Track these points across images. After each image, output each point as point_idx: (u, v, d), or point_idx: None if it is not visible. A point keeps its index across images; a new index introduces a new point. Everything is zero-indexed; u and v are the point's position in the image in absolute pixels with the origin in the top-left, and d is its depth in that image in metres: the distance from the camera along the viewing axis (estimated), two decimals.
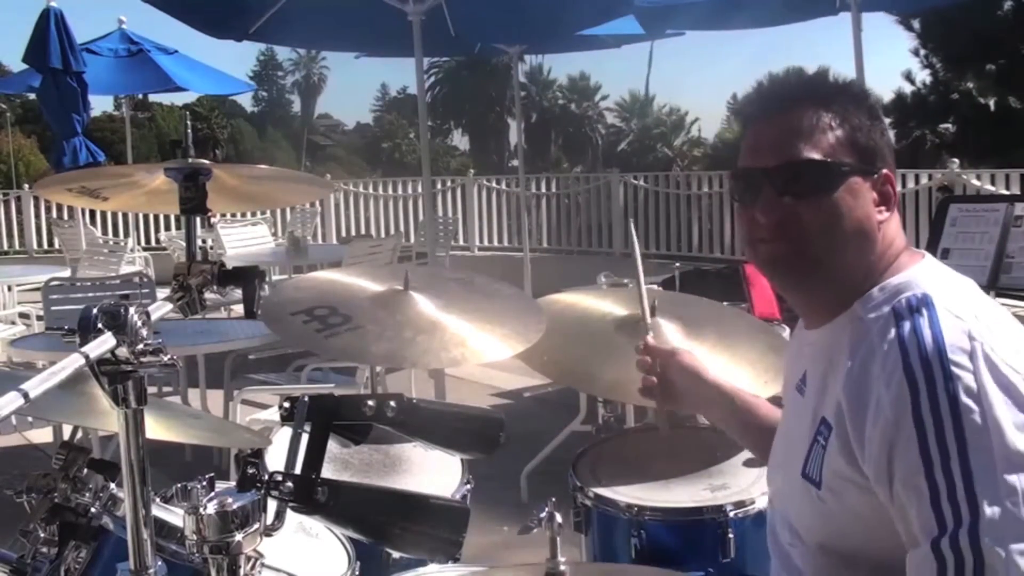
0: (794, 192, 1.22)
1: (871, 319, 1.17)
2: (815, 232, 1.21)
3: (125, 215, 11.51)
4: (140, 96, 28.02)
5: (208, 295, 1.26)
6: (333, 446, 1.20)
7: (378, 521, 1.23)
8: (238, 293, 1.26)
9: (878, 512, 1.11)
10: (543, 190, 11.06)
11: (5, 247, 11.98)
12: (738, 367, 1.97)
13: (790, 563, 1.31)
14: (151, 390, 1.06)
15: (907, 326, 1.11)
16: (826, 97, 1.26)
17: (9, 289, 7.79)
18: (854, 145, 1.23)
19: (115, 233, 11.54)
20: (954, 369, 1.05)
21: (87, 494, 1.23)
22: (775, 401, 1.66)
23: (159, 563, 1.11)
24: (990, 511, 1.00)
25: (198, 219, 1.36)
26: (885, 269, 1.23)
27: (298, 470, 1.15)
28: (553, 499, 1.53)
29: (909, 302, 1.14)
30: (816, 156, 1.21)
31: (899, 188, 8.07)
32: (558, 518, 1.51)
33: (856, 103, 1.27)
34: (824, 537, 1.22)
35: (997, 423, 1.02)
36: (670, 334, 2.02)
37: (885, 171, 1.26)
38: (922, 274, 1.21)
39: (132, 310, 1.01)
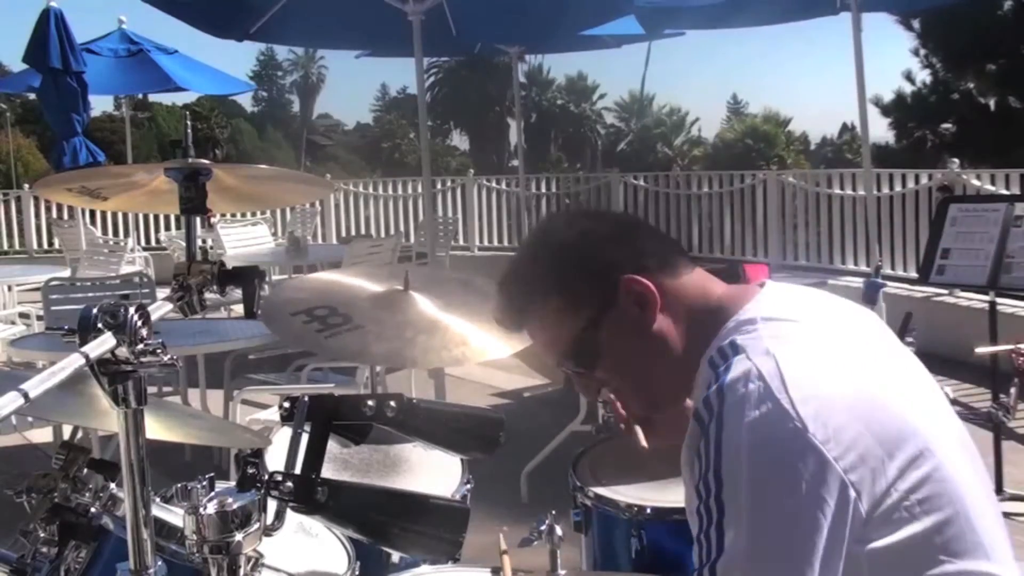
0: (584, 374, 1.28)
1: (702, 373, 1.19)
2: (624, 382, 1.28)
3: (125, 215, 11.50)
4: (140, 96, 28.01)
5: (208, 295, 1.26)
6: (333, 446, 1.20)
7: (378, 521, 1.23)
8: (238, 293, 1.26)
9: None
10: (543, 190, 11.07)
11: (5, 247, 11.98)
12: None
13: None
14: (151, 390, 1.06)
15: (713, 374, 1.14)
16: (527, 296, 1.27)
17: (9, 289, 7.79)
18: (578, 299, 1.24)
19: (115, 233, 11.53)
20: (725, 412, 1.07)
21: (87, 494, 1.23)
22: None
23: (159, 563, 1.11)
24: (730, 549, 1.04)
25: (198, 219, 1.36)
26: (712, 326, 1.22)
27: (298, 470, 1.15)
28: (553, 512, 1.53)
29: (720, 351, 1.16)
30: (561, 347, 1.26)
31: (899, 188, 8.04)
32: (558, 531, 1.51)
33: (551, 261, 1.27)
34: None
35: (748, 468, 1.04)
36: None
37: (623, 279, 1.22)
38: (744, 315, 1.20)
39: (132, 310, 1.01)
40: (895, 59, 16.60)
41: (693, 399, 1.27)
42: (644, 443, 1.58)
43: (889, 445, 1.06)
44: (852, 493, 1.03)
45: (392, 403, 1.19)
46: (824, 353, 1.14)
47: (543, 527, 1.53)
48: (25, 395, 0.90)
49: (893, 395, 1.13)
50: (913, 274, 7.17)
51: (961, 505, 1.09)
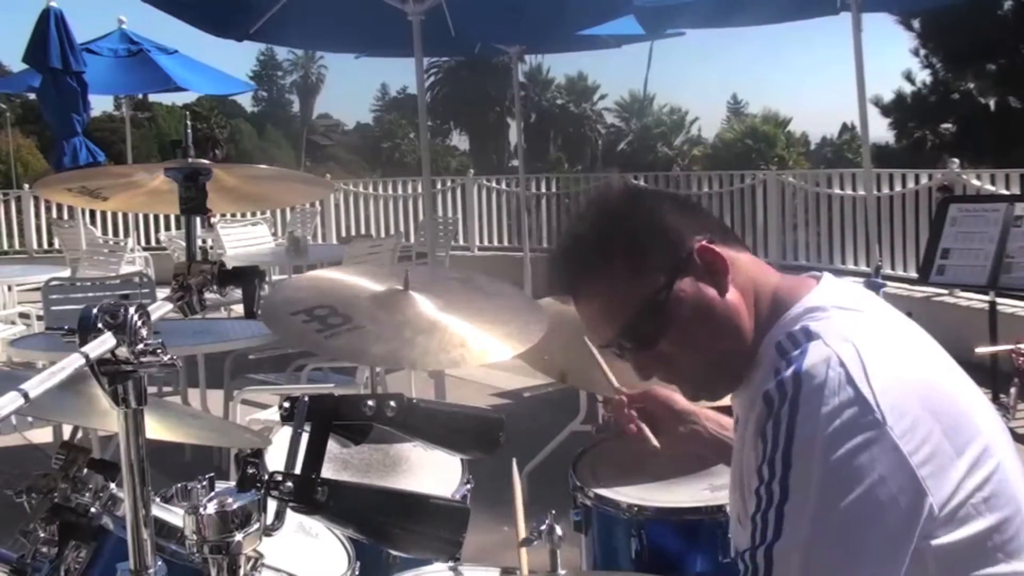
0: (641, 348, 1.22)
1: (765, 357, 1.18)
2: (688, 358, 1.22)
3: (125, 215, 11.51)
4: (140, 96, 28.01)
5: (208, 295, 1.26)
6: (333, 446, 1.20)
7: (378, 521, 1.22)
8: (238, 293, 1.26)
9: None
10: (543, 190, 11.07)
11: (5, 247, 11.97)
12: None
13: None
14: (151, 390, 1.06)
15: (783, 360, 1.12)
16: (592, 257, 1.22)
17: (9, 289, 7.79)
18: (649, 264, 1.19)
19: (115, 233, 11.53)
20: (801, 398, 1.05)
21: (87, 494, 1.23)
22: None
23: (159, 563, 1.11)
24: (789, 533, 1.03)
25: (198, 219, 1.36)
26: (773, 311, 1.21)
27: (298, 470, 1.14)
28: (553, 511, 1.53)
29: (790, 336, 1.15)
30: (625, 316, 1.20)
31: (899, 188, 8.05)
32: (558, 531, 1.51)
33: (621, 223, 1.21)
34: None
35: (822, 455, 1.03)
36: None
37: (696, 246, 1.20)
38: (811, 303, 1.19)
39: (132, 310, 1.01)
40: (895, 59, 16.62)
41: (749, 385, 1.24)
42: (655, 443, 1.55)
43: (958, 442, 1.07)
44: (924, 488, 1.03)
45: (392, 403, 1.19)
46: (897, 345, 1.14)
47: (543, 527, 1.53)
48: (25, 395, 0.90)
49: (958, 393, 1.13)
50: (913, 274, 7.18)
51: (1018, 504, 1.10)
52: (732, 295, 1.20)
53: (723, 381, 1.27)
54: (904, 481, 1.02)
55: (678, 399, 1.58)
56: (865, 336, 1.10)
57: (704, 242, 1.20)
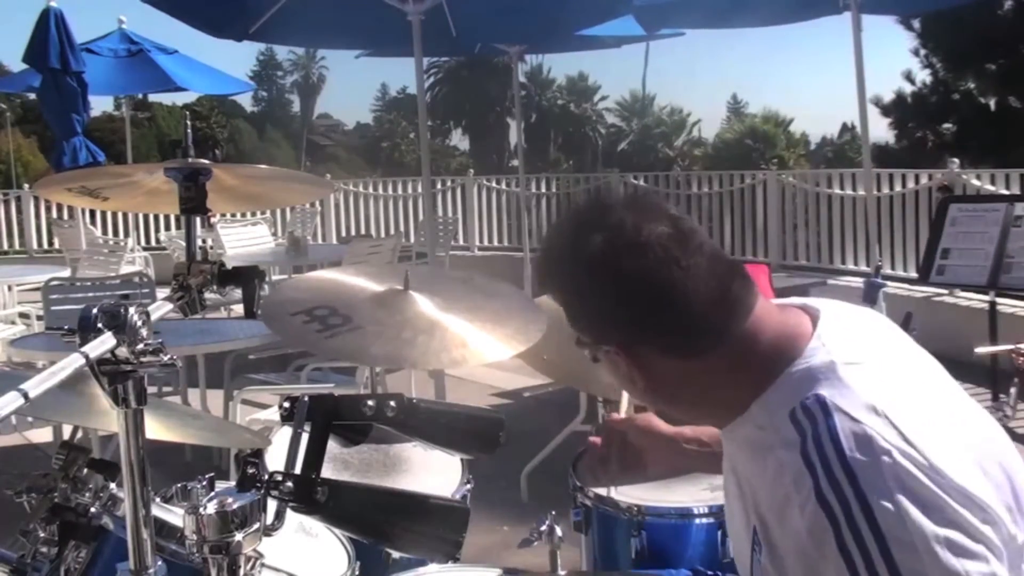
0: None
1: (772, 425, 1.11)
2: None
3: (125, 215, 11.50)
4: (140, 96, 28.02)
5: (208, 295, 1.26)
6: (333, 446, 1.20)
7: (378, 521, 1.23)
8: (238, 293, 1.27)
9: None
10: (543, 190, 11.07)
11: (5, 247, 11.97)
12: None
13: None
14: (151, 390, 1.06)
15: (810, 444, 1.04)
16: (558, 278, 1.22)
17: (9, 289, 7.79)
18: (579, 324, 1.21)
19: (115, 233, 11.53)
20: (868, 495, 1.00)
21: (87, 494, 1.23)
22: None
23: (159, 563, 1.11)
24: None
25: (198, 219, 1.36)
26: (764, 374, 1.14)
27: (298, 470, 1.14)
28: (553, 512, 1.53)
29: (805, 409, 1.07)
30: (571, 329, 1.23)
31: (899, 188, 8.02)
32: (558, 531, 1.51)
33: (579, 280, 1.18)
34: None
35: (924, 541, 0.98)
36: None
37: (614, 348, 1.18)
38: (813, 360, 1.12)
39: (132, 310, 1.01)
40: (895, 59, 16.59)
41: (745, 441, 1.18)
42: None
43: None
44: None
45: (392, 403, 1.19)
46: (921, 408, 1.09)
47: (543, 527, 1.53)
48: (25, 395, 0.90)
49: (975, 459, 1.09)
50: (913, 274, 7.17)
51: None
52: (652, 387, 1.20)
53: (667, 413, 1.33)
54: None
55: (659, 424, 1.56)
56: (888, 402, 1.06)
57: (617, 350, 1.18)
